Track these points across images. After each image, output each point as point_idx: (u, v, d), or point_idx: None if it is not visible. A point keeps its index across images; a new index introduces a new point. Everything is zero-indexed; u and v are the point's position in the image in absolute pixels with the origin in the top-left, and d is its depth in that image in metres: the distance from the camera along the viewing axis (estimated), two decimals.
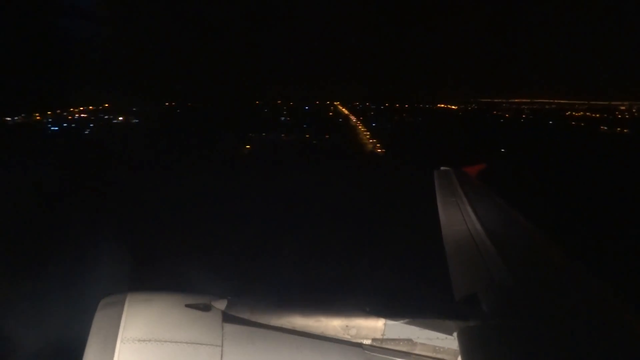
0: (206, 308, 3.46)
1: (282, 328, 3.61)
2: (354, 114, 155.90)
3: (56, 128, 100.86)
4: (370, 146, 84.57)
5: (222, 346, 3.18)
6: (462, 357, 3.61)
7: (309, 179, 44.77)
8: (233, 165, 60.45)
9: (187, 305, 3.41)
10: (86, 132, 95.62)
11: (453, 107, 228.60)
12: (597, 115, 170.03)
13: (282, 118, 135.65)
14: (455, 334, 3.83)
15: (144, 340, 3.08)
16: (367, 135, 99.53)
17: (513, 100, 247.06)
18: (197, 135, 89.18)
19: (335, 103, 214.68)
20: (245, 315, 3.57)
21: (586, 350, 3.55)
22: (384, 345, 3.82)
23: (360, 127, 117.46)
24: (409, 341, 3.86)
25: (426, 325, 3.83)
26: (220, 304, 3.56)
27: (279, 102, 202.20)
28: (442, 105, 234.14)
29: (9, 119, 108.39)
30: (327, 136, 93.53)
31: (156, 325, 3.19)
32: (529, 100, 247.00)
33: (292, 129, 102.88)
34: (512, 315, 4.10)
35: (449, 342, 3.87)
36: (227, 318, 3.45)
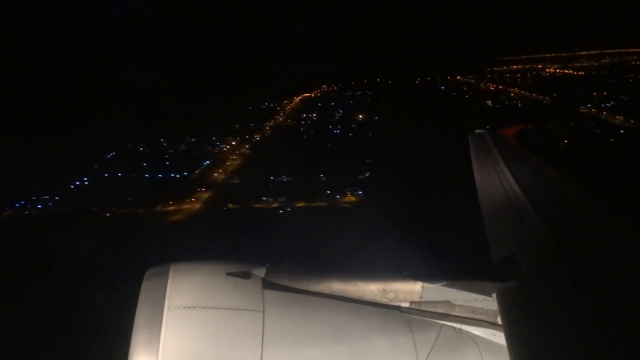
0: (246, 276, 3.58)
1: (320, 293, 3.70)
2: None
3: None
4: None
5: (263, 311, 3.34)
6: (501, 318, 3.59)
7: None
8: None
9: (228, 274, 3.55)
10: None
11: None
12: None
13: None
14: (494, 295, 3.82)
15: (189, 307, 3.24)
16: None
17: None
18: None
19: (458, 78, 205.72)
20: (284, 282, 3.67)
21: (629, 311, 3.38)
22: (422, 308, 3.86)
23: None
24: (447, 303, 3.88)
25: (464, 287, 3.84)
26: (260, 271, 3.67)
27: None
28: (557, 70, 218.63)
29: None
30: None
31: (200, 292, 3.36)
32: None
33: None
34: (552, 275, 4.05)
35: (488, 303, 3.88)
36: (267, 285, 3.57)
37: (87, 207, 67.04)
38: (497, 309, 3.76)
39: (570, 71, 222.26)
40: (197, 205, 68.39)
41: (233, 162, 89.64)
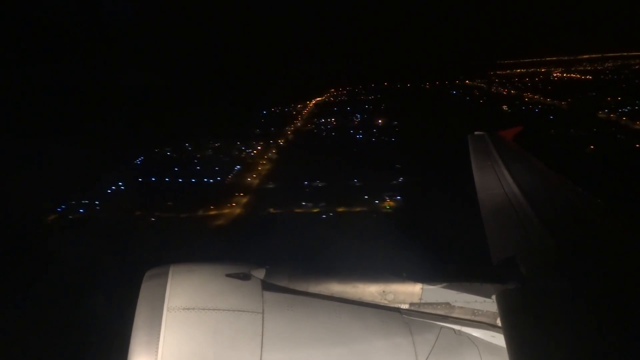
0: (246, 277, 3.60)
1: (320, 294, 3.72)
2: None
3: None
4: None
5: (263, 313, 3.35)
6: (501, 320, 3.62)
7: None
8: None
9: (228, 275, 3.57)
10: None
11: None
12: None
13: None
14: (493, 297, 3.84)
15: (189, 309, 3.26)
16: None
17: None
18: None
19: (467, 82, 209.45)
20: (284, 283, 3.69)
21: (628, 313, 3.38)
22: (422, 310, 3.86)
23: None
24: (447, 305, 3.89)
25: (464, 289, 3.86)
26: (259, 273, 3.69)
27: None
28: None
29: None
30: None
31: (199, 294, 3.38)
32: None
33: None
34: (552, 277, 4.08)
35: (487, 305, 3.90)
36: (266, 286, 3.59)
37: (129, 211, 68.07)
38: (497, 311, 3.81)
39: (578, 75, 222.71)
40: (238, 210, 69.56)
41: (264, 166, 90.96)
